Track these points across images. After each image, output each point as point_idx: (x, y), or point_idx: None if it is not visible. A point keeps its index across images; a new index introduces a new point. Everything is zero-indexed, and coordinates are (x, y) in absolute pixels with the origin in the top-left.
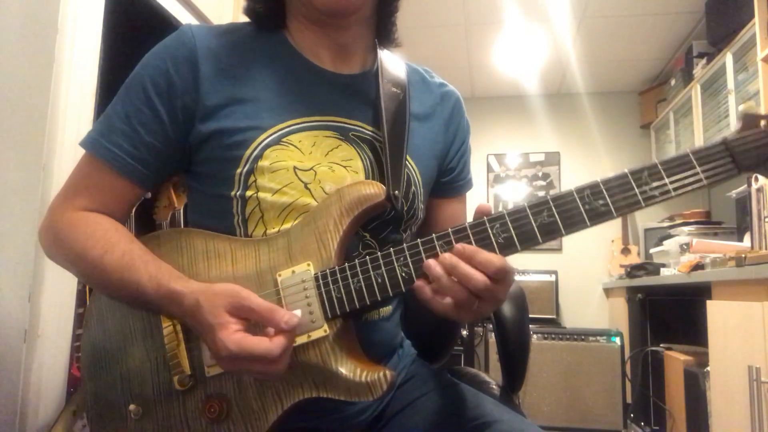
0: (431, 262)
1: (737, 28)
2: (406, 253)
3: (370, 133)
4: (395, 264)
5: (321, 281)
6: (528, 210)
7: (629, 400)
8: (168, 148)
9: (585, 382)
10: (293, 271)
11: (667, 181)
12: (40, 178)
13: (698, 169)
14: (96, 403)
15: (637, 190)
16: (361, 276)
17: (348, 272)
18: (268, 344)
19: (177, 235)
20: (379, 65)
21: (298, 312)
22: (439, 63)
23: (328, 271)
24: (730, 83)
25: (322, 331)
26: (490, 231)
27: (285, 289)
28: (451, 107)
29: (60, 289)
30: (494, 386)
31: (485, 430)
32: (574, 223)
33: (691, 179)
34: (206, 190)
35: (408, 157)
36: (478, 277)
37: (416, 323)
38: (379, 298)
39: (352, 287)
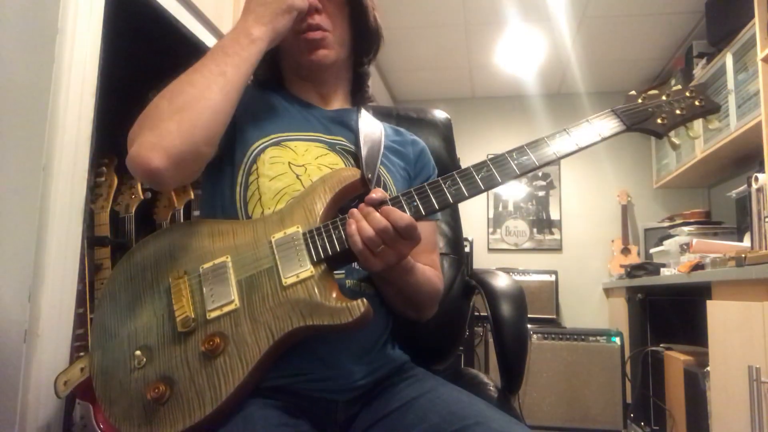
0: (354, 209)
1: (737, 28)
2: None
3: (353, 148)
4: None
5: (308, 235)
6: (472, 168)
7: (629, 400)
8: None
9: (585, 382)
10: (285, 233)
11: (573, 139)
12: (40, 179)
13: (596, 129)
14: (101, 362)
15: (551, 148)
16: (341, 227)
17: (330, 225)
18: None
19: (187, 224)
20: (359, 110)
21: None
22: (439, 63)
23: (314, 228)
24: (730, 83)
25: (308, 271)
26: (443, 185)
27: (278, 246)
28: (419, 151)
29: (60, 289)
30: (492, 388)
31: (474, 430)
32: (507, 174)
33: (592, 136)
34: (215, 182)
35: (383, 169)
36: (383, 221)
37: (420, 326)
38: None
39: (333, 236)
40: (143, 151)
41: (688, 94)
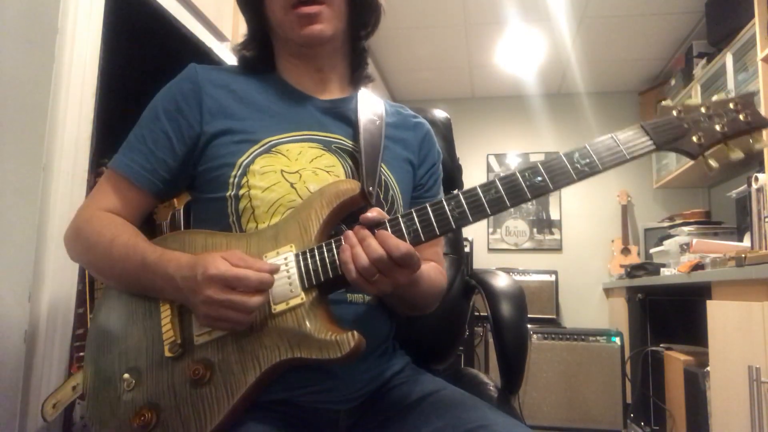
0: (349, 232)
1: (737, 28)
2: (375, 231)
3: (350, 145)
4: None
5: (300, 257)
6: (478, 189)
7: (629, 400)
8: (176, 162)
9: (585, 382)
10: (277, 252)
11: (595, 159)
12: (40, 178)
13: (621, 147)
14: (94, 380)
15: (569, 167)
16: (335, 250)
17: (324, 248)
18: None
19: (182, 235)
20: (358, 95)
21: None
22: (439, 63)
23: (307, 249)
24: (730, 83)
25: (299, 299)
26: (446, 207)
27: None
28: (423, 135)
29: (60, 289)
30: (492, 388)
31: None
32: (517, 198)
33: (616, 155)
34: (206, 196)
35: (384, 166)
36: (379, 249)
37: (419, 326)
38: None
39: (327, 260)
40: (67, 243)
41: (731, 106)
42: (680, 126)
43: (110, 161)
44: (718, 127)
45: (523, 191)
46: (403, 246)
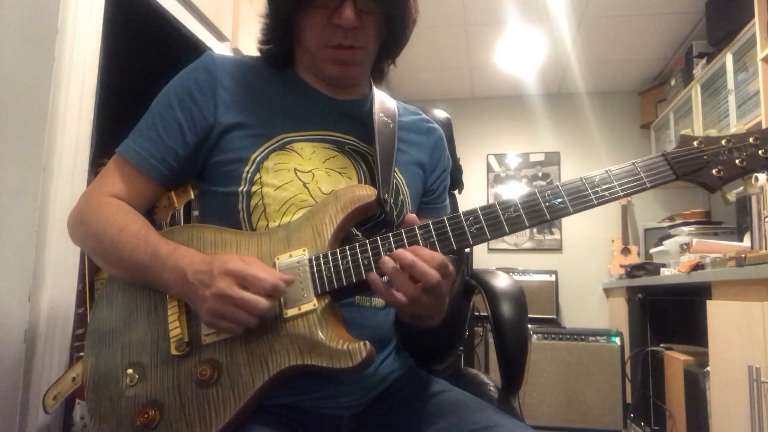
0: (386, 258)
1: (737, 28)
2: (391, 240)
3: (363, 148)
4: (380, 249)
5: (314, 262)
6: (498, 206)
7: (629, 400)
8: (186, 151)
9: (585, 382)
10: (290, 255)
11: (615, 184)
12: (40, 179)
13: (642, 175)
14: (95, 372)
15: (590, 191)
16: (350, 258)
17: (338, 255)
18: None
19: (189, 229)
20: (373, 96)
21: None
22: (439, 63)
23: (321, 254)
24: (730, 83)
25: (311, 305)
26: (464, 222)
27: (282, 271)
28: (435, 140)
29: (60, 289)
30: (492, 388)
31: None
32: (536, 217)
33: (636, 183)
34: (216, 189)
35: (396, 170)
36: (433, 273)
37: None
38: (364, 278)
39: (341, 267)
40: (71, 227)
41: (751, 140)
42: (700, 157)
43: (119, 146)
44: (737, 162)
45: (543, 212)
46: (438, 256)
